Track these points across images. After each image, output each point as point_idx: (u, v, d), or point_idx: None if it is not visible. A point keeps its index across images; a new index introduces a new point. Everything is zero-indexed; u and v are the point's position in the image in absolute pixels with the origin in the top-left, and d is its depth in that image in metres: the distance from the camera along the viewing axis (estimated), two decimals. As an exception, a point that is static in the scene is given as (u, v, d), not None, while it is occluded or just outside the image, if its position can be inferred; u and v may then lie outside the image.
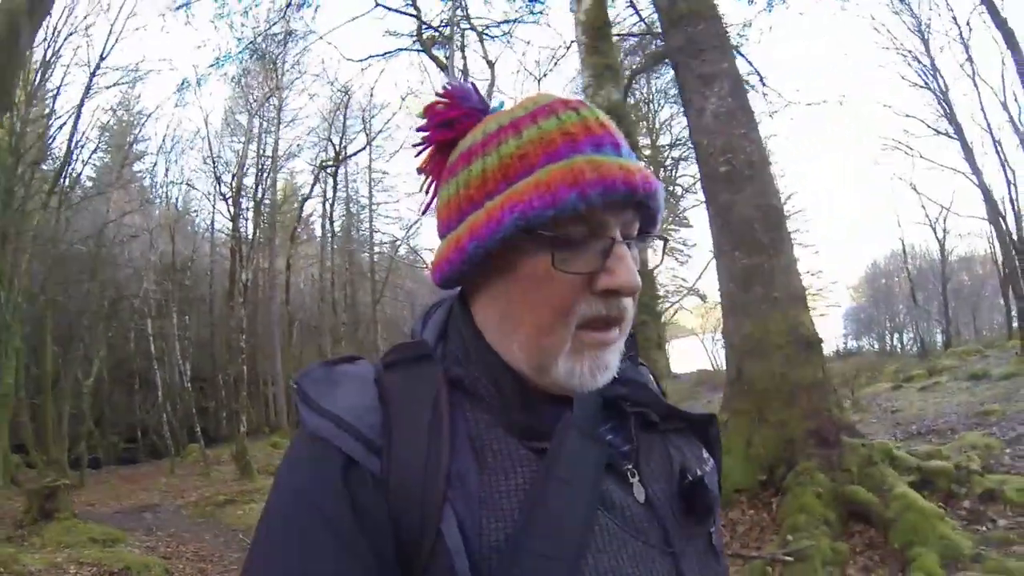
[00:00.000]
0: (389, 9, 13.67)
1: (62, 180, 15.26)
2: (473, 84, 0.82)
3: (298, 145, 23.51)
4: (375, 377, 0.70)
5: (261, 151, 22.53)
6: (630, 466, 0.73)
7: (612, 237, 0.67)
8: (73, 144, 15.39)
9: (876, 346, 38.52)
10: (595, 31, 4.78)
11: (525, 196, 0.65)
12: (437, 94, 0.80)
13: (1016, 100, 17.08)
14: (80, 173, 17.59)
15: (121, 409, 20.05)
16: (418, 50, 14.49)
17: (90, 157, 18.74)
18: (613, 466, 0.71)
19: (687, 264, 29.06)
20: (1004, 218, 18.39)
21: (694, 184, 20.51)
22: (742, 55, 11.61)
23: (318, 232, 27.74)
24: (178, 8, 12.53)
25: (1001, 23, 12.94)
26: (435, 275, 0.75)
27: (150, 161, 21.92)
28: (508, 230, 0.65)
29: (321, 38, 15.72)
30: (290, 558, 0.59)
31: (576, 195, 0.63)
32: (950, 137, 19.72)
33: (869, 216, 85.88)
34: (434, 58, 14.22)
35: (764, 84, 11.43)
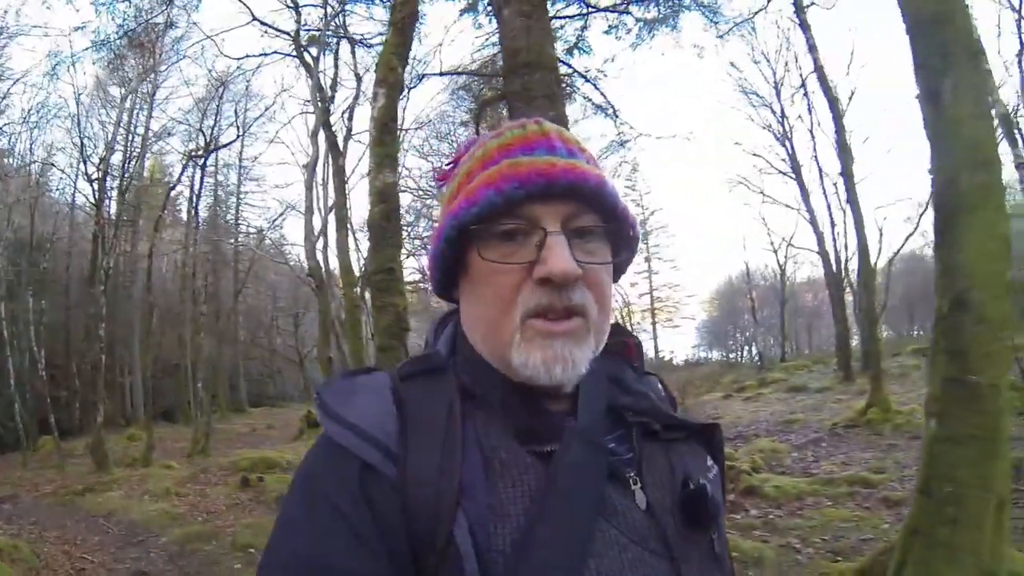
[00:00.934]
0: (263, 24, 14.12)
1: None
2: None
3: (168, 130, 22.91)
4: (392, 388, 0.73)
5: (132, 128, 21.88)
6: (632, 474, 0.75)
7: (544, 229, 0.70)
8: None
9: (727, 357, 42.21)
10: (383, 126, 5.45)
11: (458, 203, 0.73)
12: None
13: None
14: None
15: None
16: (292, 55, 14.87)
17: None
18: (616, 474, 0.73)
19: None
20: (824, 256, 21.18)
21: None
22: (598, 88, 12.86)
23: (184, 216, 27.07)
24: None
25: (828, 90, 15.08)
26: (432, 288, 0.83)
27: (9, 131, 20.55)
28: (447, 234, 0.73)
29: (208, 38, 15.58)
30: (305, 548, 0.62)
31: (493, 192, 0.69)
32: (790, 177, 22.37)
33: (731, 235, 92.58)
34: (307, 65, 14.63)
35: (617, 116, 12.80)
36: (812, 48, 15.10)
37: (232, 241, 28.68)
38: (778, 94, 22.14)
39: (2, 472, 13.44)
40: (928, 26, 3.71)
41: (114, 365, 22.10)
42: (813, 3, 15.46)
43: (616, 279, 0.80)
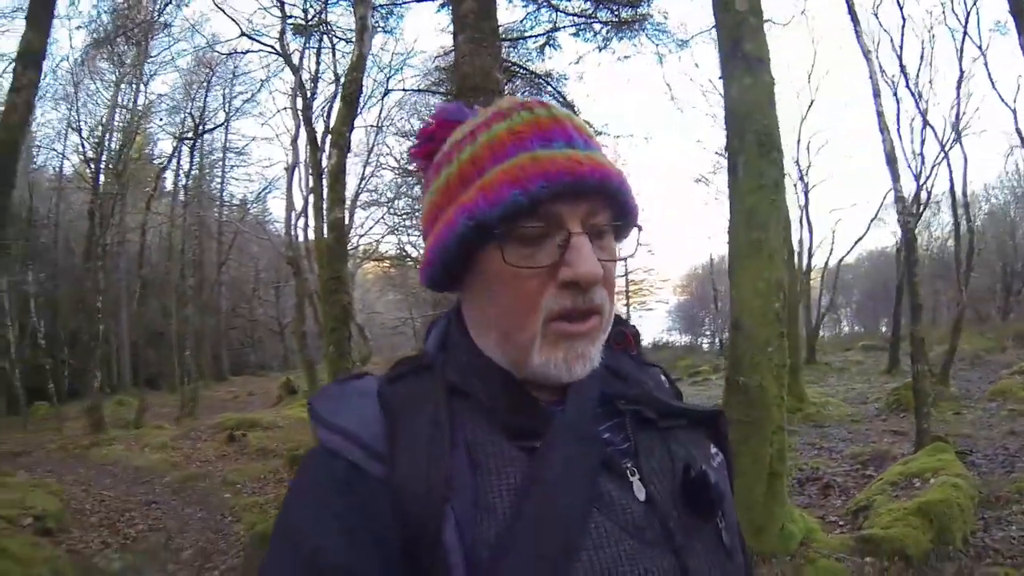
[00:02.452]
0: (252, 38, 15.40)
1: None
2: (464, 103, 0.88)
3: (155, 107, 23.89)
4: (378, 390, 0.74)
5: (121, 103, 22.77)
6: (629, 464, 0.74)
7: (568, 229, 0.69)
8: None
9: (697, 342, 43.47)
10: (335, 176, 6.72)
11: (472, 198, 0.70)
12: (430, 117, 0.87)
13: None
14: None
15: None
16: (276, 52, 15.96)
17: None
18: (611, 465, 0.72)
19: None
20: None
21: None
22: (558, 91, 14.38)
23: (168, 186, 28.04)
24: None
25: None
26: (421, 278, 0.81)
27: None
28: (461, 233, 0.70)
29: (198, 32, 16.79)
30: (304, 549, 0.63)
31: (518, 191, 0.67)
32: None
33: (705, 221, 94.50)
34: (291, 64, 15.79)
35: (577, 114, 14.23)
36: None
37: (216, 212, 29.47)
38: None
39: (6, 434, 14.67)
40: (733, 116, 4.79)
41: (99, 335, 23.33)
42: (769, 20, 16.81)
43: None
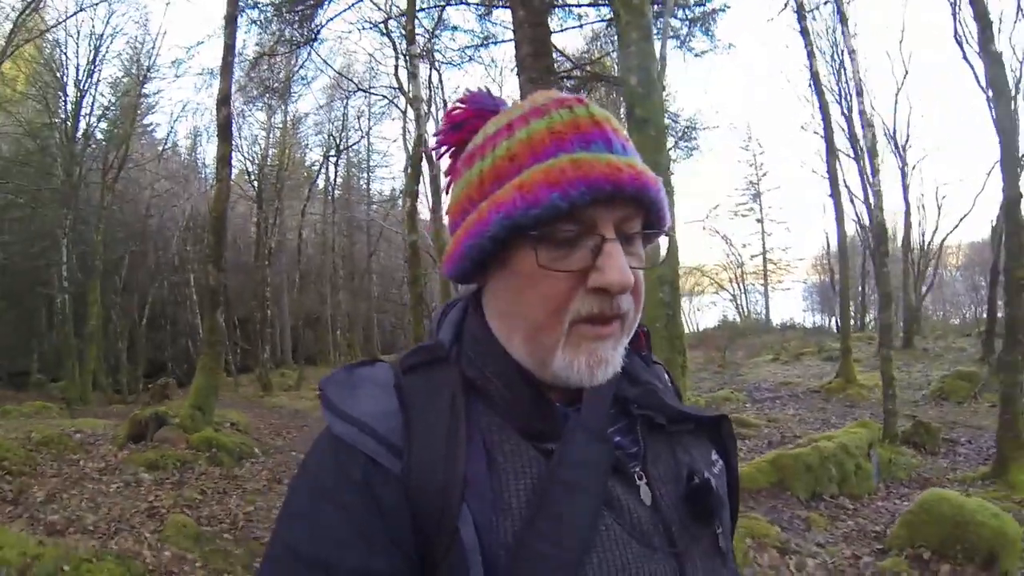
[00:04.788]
0: (366, 92, 18.88)
1: (110, 159, 19.80)
2: (488, 89, 0.87)
3: (301, 122, 27.87)
4: (395, 382, 0.74)
5: (271, 121, 26.20)
6: (637, 468, 0.76)
7: (602, 235, 0.69)
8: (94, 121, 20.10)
9: (830, 322, 42.36)
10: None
11: (509, 197, 0.69)
12: (457, 100, 0.86)
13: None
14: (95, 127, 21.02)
15: (151, 346, 24.66)
16: (395, 88, 19.00)
17: (103, 114, 21.74)
18: (620, 468, 0.74)
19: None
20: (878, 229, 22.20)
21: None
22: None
23: (320, 186, 31.22)
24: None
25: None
26: (444, 270, 0.79)
27: (156, 119, 24.16)
28: (495, 230, 0.69)
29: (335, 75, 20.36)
30: (307, 542, 0.64)
31: (558, 195, 0.66)
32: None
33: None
34: (409, 99, 17.65)
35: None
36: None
37: (364, 209, 32.64)
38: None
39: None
40: (640, 124, 4.98)
41: (267, 319, 28.01)
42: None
43: None
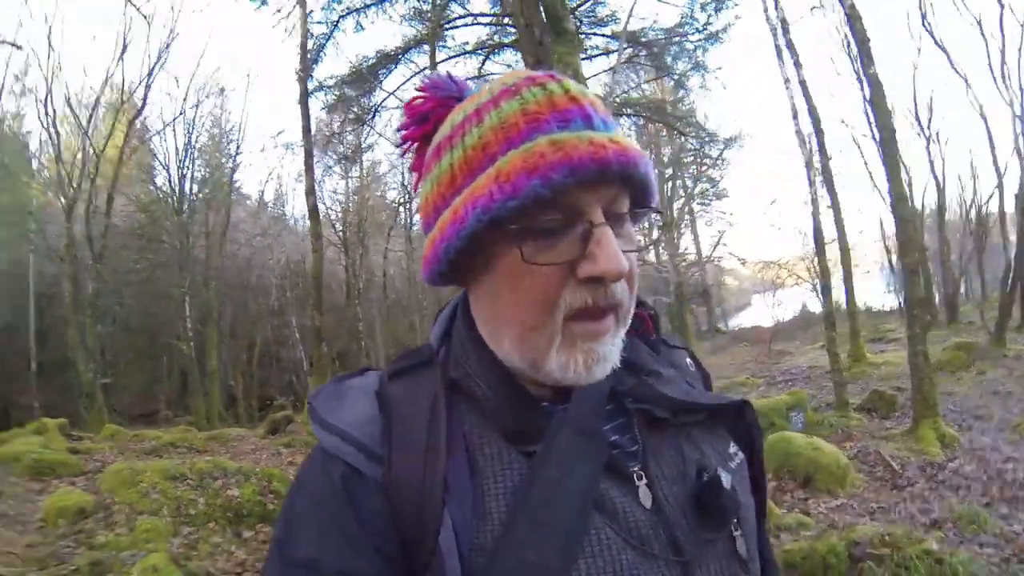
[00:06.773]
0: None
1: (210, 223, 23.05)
2: (448, 73, 0.81)
3: (376, 167, 29.89)
4: (377, 389, 0.74)
5: (349, 174, 28.06)
6: (637, 468, 0.72)
7: (590, 220, 0.65)
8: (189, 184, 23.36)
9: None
10: None
11: (485, 189, 0.65)
12: (416, 88, 0.81)
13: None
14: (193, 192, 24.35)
15: (259, 383, 27.92)
16: None
17: (201, 188, 24.95)
18: (617, 468, 0.70)
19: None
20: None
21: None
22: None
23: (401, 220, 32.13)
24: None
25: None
26: (422, 274, 0.75)
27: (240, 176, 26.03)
28: (472, 227, 0.65)
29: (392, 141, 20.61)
30: (302, 552, 0.65)
31: (538, 181, 0.62)
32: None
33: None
34: None
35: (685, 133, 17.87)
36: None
37: None
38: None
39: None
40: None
41: (362, 349, 29.33)
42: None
43: None
